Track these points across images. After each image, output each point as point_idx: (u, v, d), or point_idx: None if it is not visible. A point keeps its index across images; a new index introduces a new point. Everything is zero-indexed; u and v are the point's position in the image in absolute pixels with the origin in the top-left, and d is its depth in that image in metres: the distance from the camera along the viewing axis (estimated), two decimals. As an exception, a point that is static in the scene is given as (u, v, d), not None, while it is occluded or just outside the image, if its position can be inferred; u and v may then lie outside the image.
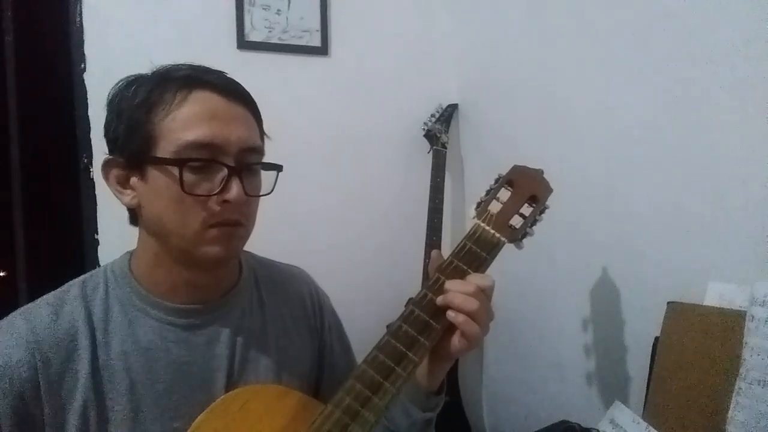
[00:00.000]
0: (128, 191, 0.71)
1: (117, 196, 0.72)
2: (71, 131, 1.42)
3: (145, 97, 0.68)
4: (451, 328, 0.69)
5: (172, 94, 0.67)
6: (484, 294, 0.68)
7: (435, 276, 0.71)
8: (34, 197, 1.43)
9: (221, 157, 0.67)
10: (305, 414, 0.69)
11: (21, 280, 1.42)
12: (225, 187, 0.67)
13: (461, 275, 0.70)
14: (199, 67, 0.72)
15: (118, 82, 0.72)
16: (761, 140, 0.93)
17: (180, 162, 0.65)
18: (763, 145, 0.93)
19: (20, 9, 1.39)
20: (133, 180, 0.70)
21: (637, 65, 1.16)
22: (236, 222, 0.70)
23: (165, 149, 0.66)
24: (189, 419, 0.68)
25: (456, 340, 0.69)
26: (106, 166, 0.71)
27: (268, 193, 0.75)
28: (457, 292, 0.68)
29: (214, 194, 0.67)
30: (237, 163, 0.68)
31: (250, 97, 0.74)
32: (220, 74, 0.72)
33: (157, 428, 0.69)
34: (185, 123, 0.66)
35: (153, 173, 0.68)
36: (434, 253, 0.76)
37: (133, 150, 0.68)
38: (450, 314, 0.68)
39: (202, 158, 0.67)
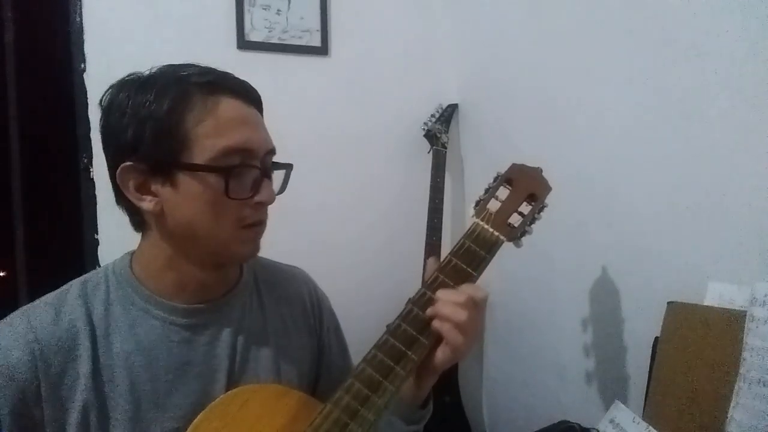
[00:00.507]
0: (148, 197, 0.69)
1: (136, 203, 0.70)
2: (71, 131, 1.42)
3: (172, 104, 0.67)
4: (439, 340, 0.68)
5: (200, 101, 0.68)
6: (475, 305, 0.68)
7: (434, 275, 0.71)
8: (34, 197, 1.43)
9: (253, 160, 0.70)
10: (305, 413, 0.69)
11: (21, 280, 1.42)
12: (258, 189, 0.70)
13: (460, 274, 0.70)
14: (212, 70, 0.71)
15: (121, 87, 0.70)
16: (761, 140, 0.93)
17: (225, 169, 0.67)
18: (764, 145, 0.93)
19: (20, 9, 1.39)
20: (155, 186, 0.69)
21: (636, 65, 1.16)
22: (263, 221, 0.73)
23: (200, 155, 0.67)
24: (189, 419, 0.68)
25: (440, 352, 0.68)
26: (125, 173, 0.69)
27: (282, 192, 0.77)
28: (447, 301, 0.67)
29: (251, 197, 0.69)
30: (263, 165, 0.71)
31: (261, 99, 0.76)
32: (236, 78, 0.73)
33: (157, 428, 0.69)
34: (220, 129, 0.67)
35: (184, 179, 0.67)
36: (430, 260, 0.76)
37: (161, 157, 0.67)
38: (435, 323, 0.67)
39: (246, 164, 0.69)
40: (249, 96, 0.72)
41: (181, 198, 0.68)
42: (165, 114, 0.67)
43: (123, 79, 0.71)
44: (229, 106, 0.69)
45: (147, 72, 0.71)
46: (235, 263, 0.79)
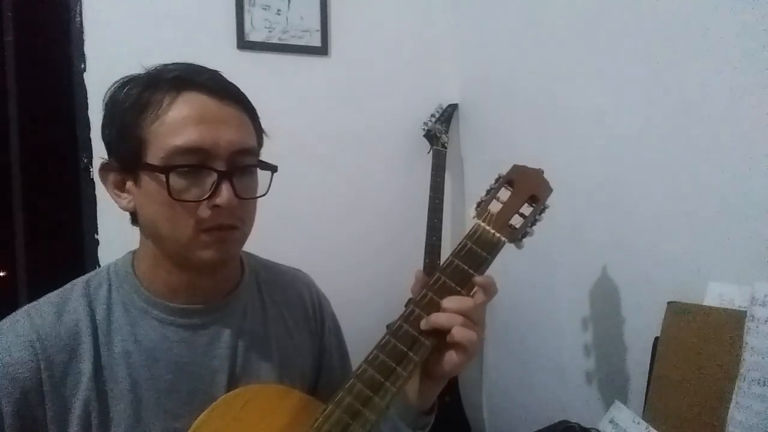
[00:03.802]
0: (125, 195, 0.70)
1: (114, 200, 0.71)
2: (71, 131, 1.42)
3: (135, 100, 0.67)
4: (441, 347, 0.68)
5: (161, 97, 0.66)
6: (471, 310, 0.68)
7: (436, 275, 0.71)
8: (34, 198, 1.43)
9: (211, 161, 0.66)
10: (306, 413, 0.69)
11: (21, 280, 1.42)
12: (215, 191, 0.65)
13: (462, 275, 0.70)
14: (191, 66, 0.70)
15: (113, 84, 0.71)
16: (761, 140, 0.93)
17: (166, 169, 0.64)
18: (764, 145, 0.93)
19: (20, 9, 1.39)
20: (129, 184, 0.69)
21: (636, 65, 1.16)
22: (230, 226, 0.69)
23: (155, 155, 0.65)
24: (190, 419, 0.68)
25: (450, 356, 0.67)
26: (103, 170, 0.71)
27: (263, 195, 0.73)
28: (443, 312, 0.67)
29: (204, 199, 0.66)
30: (229, 165, 0.67)
31: (244, 96, 0.72)
32: (212, 74, 0.70)
33: (158, 428, 0.69)
34: (173, 127, 0.65)
35: (145, 179, 0.67)
36: (417, 272, 0.75)
37: (125, 155, 0.68)
38: (441, 317, 0.67)
39: (189, 164, 0.65)
40: (220, 91, 0.68)
41: (145, 198, 0.68)
42: (126, 110, 0.67)
43: (120, 78, 0.71)
44: (188, 103, 0.66)
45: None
46: (202, 268, 0.71)
